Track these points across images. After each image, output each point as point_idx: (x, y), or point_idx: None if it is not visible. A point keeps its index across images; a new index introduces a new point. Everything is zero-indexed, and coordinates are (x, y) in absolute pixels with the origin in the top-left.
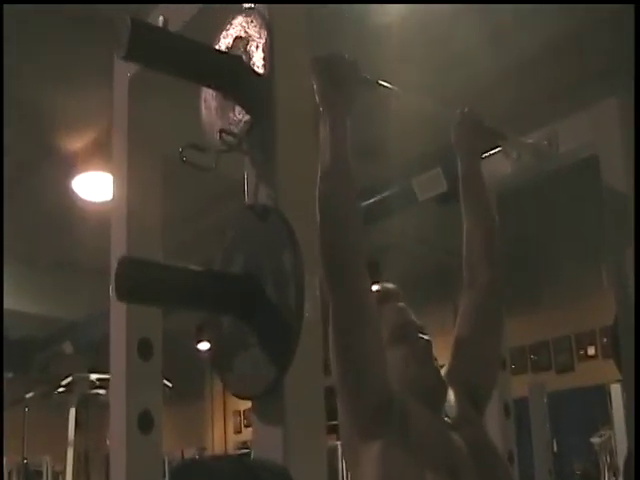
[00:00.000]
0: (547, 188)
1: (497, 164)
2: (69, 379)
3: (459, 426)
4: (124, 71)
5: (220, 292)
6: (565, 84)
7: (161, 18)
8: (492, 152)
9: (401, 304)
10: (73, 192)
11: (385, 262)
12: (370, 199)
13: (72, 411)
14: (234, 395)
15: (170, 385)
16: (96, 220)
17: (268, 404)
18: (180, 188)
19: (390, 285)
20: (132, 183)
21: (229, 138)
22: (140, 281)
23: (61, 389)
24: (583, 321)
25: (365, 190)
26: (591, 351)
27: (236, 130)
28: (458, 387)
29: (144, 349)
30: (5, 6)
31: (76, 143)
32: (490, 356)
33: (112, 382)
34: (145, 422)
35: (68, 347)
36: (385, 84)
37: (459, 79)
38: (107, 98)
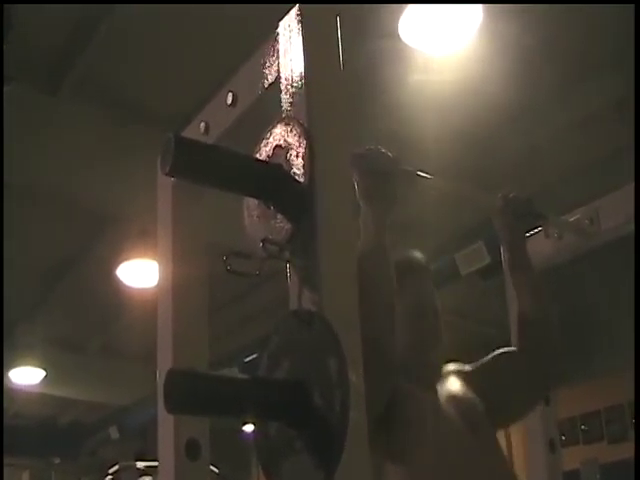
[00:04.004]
0: (593, 261)
1: (538, 244)
2: (116, 467)
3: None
4: (167, 177)
5: (266, 400)
6: (604, 158)
7: (202, 124)
8: (533, 232)
9: (425, 280)
10: (118, 279)
11: None
12: None
13: None
14: None
15: (217, 471)
16: (141, 306)
17: None
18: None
19: (418, 255)
20: (177, 271)
21: (271, 247)
22: (188, 395)
23: (108, 477)
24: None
25: None
26: None
27: (278, 238)
28: (477, 394)
29: (192, 450)
30: (46, 96)
31: (120, 232)
32: (524, 399)
33: None
34: None
35: (114, 432)
36: (424, 175)
37: (496, 154)
38: (151, 188)
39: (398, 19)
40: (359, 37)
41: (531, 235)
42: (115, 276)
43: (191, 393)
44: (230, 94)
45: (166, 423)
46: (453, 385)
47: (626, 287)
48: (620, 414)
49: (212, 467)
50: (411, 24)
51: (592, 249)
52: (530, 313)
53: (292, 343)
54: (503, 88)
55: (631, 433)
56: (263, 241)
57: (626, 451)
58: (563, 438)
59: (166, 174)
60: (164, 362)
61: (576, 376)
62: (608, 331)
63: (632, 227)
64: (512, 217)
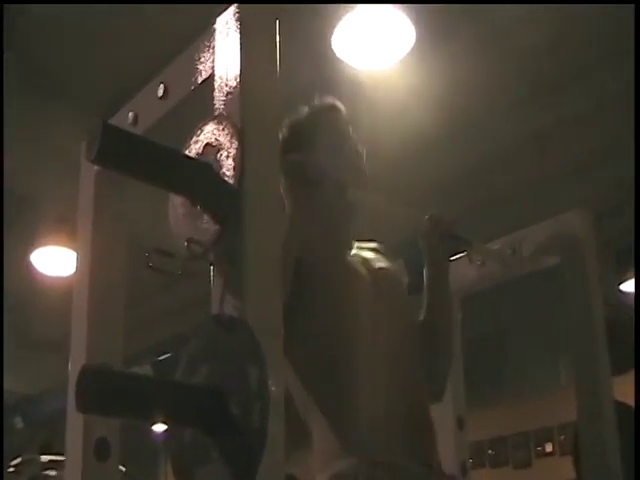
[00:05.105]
0: (512, 290)
1: (462, 269)
2: (18, 460)
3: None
4: (91, 165)
5: (183, 405)
6: (531, 186)
7: (131, 114)
8: (456, 257)
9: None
10: (32, 266)
11: None
12: None
13: None
14: None
15: (124, 469)
16: (53, 295)
17: None
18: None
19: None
20: (96, 263)
21: (196, 247)
22: (102, 394)
23: (10, 469)
24: (541, 418)
25: None
26: (549, 448)
27: (203, 239)
28: None
29: (101, 450)
30: None
31: (36, 217)
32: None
33: None
34: None
35: (19, 422)
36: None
37: (424, 178)
38: (70, 172)
39: (332, 33)
40: (293, 46)
41: (455, 260)
42: (29, 262)
43: (105, 393)
44: (162, 86)
45: (75, 421)
46: (370, 254)
47: (538, 318)
48: (526, 441)
49: (119, 466)
50: (345, 38)
51: (510, 281)
52: (434, 344)
53: (212, 348)
54: (430, 110)
55: (535, 460)
56: (188, 241)
57: (530, 477)
58: (471, 461)
59: (91, 161)
60: (77, 355)
61: (486, 401)
62: (518, 360)
63: (552, 260)
64: (438, 239)
